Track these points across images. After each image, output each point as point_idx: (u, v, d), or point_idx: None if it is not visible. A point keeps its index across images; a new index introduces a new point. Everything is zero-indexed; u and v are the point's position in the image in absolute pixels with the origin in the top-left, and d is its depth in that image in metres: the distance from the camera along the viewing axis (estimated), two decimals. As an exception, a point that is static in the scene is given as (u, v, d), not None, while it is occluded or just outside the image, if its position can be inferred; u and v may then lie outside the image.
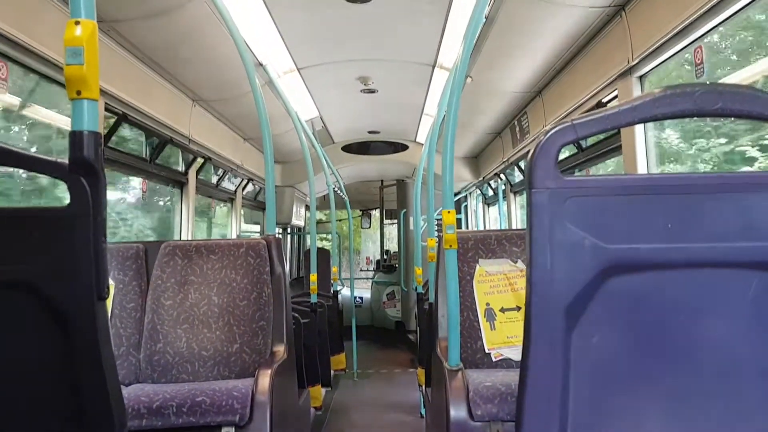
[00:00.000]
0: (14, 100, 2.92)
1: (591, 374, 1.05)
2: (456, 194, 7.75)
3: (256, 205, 7.00)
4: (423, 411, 4.74)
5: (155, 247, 2.87)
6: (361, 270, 12.76)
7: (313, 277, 4.58)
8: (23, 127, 3.21)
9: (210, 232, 6.20)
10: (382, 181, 10.38)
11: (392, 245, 11.75)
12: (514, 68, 4.17)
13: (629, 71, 2.98)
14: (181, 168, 4.65)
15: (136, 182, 4.32)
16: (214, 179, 5.60)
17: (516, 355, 2.55)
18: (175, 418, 2.18)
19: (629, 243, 1.04)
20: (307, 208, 8.59)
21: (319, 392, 4.26)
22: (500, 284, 2.65)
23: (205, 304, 2.74)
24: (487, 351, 2.59)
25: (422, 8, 3.52)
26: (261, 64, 4.05)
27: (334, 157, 7.16)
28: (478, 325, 2.62)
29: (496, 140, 6.25)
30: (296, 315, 3.51)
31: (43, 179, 3.19)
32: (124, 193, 4.53)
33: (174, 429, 2.18)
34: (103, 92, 3.11)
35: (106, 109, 3.26)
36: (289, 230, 8.52)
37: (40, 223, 1.14)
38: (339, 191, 7.43)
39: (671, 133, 3.34)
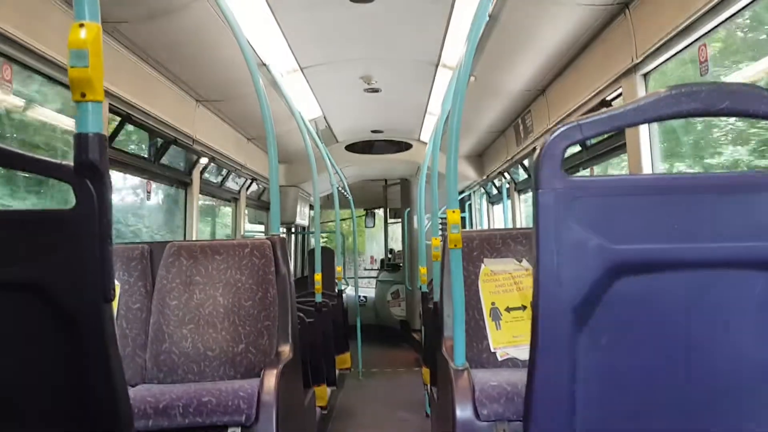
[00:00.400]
0: (18, 102, 2.93)
1: (599, 375, 1.04)
2: (460, 193, 7.74)
3: (260, 204, 7.01)
4: (428, 410, 4.74)
5: (160, 248, 2.88)
6: (365, 269, 12.76)
7: (318, 276, 4.59)
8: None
9: (214, 231, 6.22)
10: (385, 180, 10.38)
11: (396, 244, 11.75)
12: (518, 67, 4.16)
13: (633, 69, 2.97)
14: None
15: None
16: (218, 179, 5.61)
17: (522, 354, 2.55)
18: (182, 419, 2.18)
19: (637, 243, 1.03)
20: (311, 207, 8.60)
21: (324, 392, 4.26)
22: (505, 283, 2.65)
23: (210, 304, 2.74)
24: (492, 350, 2.59)
25: (425, 7, 3.51)
26: (264, 64, 4.05)
27: (338, 156, 7.16)
28: (484, 324, 2.61)
29: (500, 139, 6.24)
30: (301, 315, 3.52)
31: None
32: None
33: (180, 429, 2.19)
34: (107, 93, 3.10)
35: (110, 110, 3.26)
36: (293, 230, 8.52)
37: (46, 224, 1.14)
38: (343, 191, 7.43)
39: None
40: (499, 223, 7.20)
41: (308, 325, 3.69)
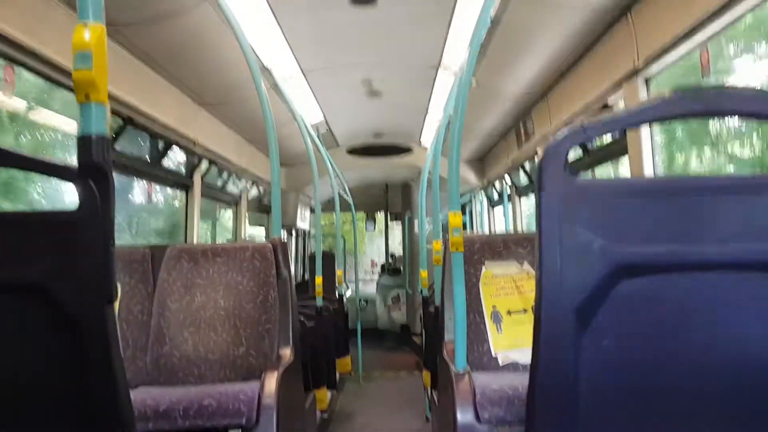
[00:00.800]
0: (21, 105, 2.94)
1: (601, 377, 1.04)
2: (461, 197, 7.73)
3: (261, 208, 7.01)
4: (429, 414, 4.73)
5: (161, 251, 2.88)
6: (365, 272, 12.75)
7: (319, 280, 4.58)
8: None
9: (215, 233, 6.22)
10: (386, 184, 10.38)
11: (397, 248, 11.75)
12: (519, 71, 4.17)
13: (635, 73, 2.98)
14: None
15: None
16: (219, 182, 5.61)
17: (523, 357, 2.54)
18: (182, 421, 2.18)
19: (639, 245, 1.03)
20: (312, 211, 8.60)
21: (324, 395, 4.25)
22: (507, 287, 2.65)
23: (211, 307, 2.74)
24: (493, 354, 2.58)
25: (426, 11, 3.52)
26: (266, 68, 4.05)
27: (339, 160, 7.16)
28: (485, 327, 2.61)
29: (501, 142, 6.25)
30: (302, 318, 3.51)
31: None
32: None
33: None
34: (109, 96, 3.11)
35: (112, 113, 3.27)
36: (294, 233, 8.52)
37: (49, 226, 1.14)
38: (344, 194, 7.43)
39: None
40: (500, 227, 7.20)
41: (309, 329, 3.68)
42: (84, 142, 1.14)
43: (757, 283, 1.04)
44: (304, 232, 9.08)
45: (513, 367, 2.55)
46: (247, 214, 6.30)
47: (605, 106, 3.49)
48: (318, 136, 5.74)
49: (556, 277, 1.02)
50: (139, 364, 2.73)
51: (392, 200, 10.67)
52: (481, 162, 7.49)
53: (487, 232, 7.69)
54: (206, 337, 2.70)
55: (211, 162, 4.89)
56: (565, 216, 1.03)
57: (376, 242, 13.98)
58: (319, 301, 4.51)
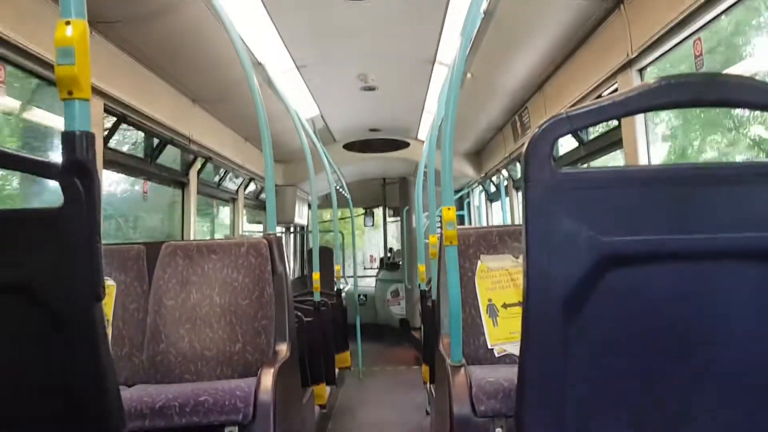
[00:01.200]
0: (14, 104, 2.93)
1: (590, 368, 1.04)
2: (458, 191, 7.73)
3: (258, 204, 7.01)
4: (428, 408, 4.73)
5: (156, 248, 2.87)
6: (364, 268, 12.75)
7: (316, 275, 4.58)
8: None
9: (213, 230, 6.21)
10: (384, 178, 10.37)
11: (395, 243, 11.75)
12: (514, 63, 4.15)
13: (629, 64, 2.97)
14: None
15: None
16: (216, 179, 5.60)
17: (518, 350, 2.54)
18: (178, 419, 2.17)
19: (627, 235, 1.02)
20: (310, 206, 8.59)
21: (323, 390, 4.26)
22: (502, 280, 2.64)
23: (207, 303, 2.74)
24: (489, 347, 2.58)
25: (421, 4, 3.51)
26: (260, 64, 4.04)
27: (336, 155, 7.15)
28: (481, 321, 2.61)
29: (498, 136, 6.24)
30: (300, 314, 3.51)
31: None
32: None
33: (177, 429, 2.18)
34: (102, 94, 3.10)
35: (106, 111, 3.25)
36: (291, 229, 8.51)
37: (34, 224, 1.14)
38: (341, 190, 7.43)
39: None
40: (497, 221, 7.20)
41: (307, 324, 3.68)
42: (68, 139, 1.13)
43: (746, 272, 1.03)
44: (302, 227, 9.07)
45: (509, 359, 2.55)
46: (244, 211, 6.30)
47: (599, 98, 3.48)
48: (314, 132, 5.73)
49: (544, 268, 1.02)
50: (136, 361, 2.73)
51: (390, 195, 10.67)
52: (478, 155, 7.48)
53: (485, 225, 7.69)
54: (202, 333, 2.69)
55: (206, 159, 4.88)
56: (552, 206, 1.02)
57: (375, 237, 13.98)
58: (318, 297, 4.50)
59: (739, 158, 3.34)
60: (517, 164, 5.94)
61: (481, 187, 7.76)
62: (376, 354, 8.01)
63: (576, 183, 1.03)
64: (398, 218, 10.31)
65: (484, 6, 3.03)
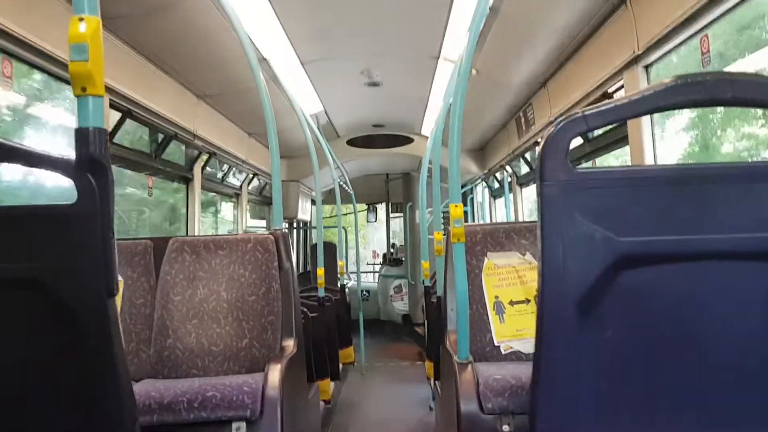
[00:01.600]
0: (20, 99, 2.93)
1: (604, 368, 1.04)
2: (462, 187, 7.72)
3: (261, 200, 7.01)
4: (432, 404, 4.74)
5: (163, 243, 2.87)
6: (368, 264, 12.77)
7: (320, 271, 4.58)
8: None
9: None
10: (387, 174, 10.37)
11: (398, 238, 11.75)
12: (519, 59, 4.14)
13: (635, 61, 2.96)
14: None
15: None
16: (220, 175, 5.61)
17: (526, 347, 2.54)
18: (186, 414, 2.18)
19: (642, 235, 1.02)
20: (313, 202, 8.59)
21: (328, 386, 4.27)
22: (509, 277, 2.64)
23: (213, 299, 2.74)
24: (496, 344, 2.58)
25: None
26: (265, 59, 4.04)
27: (339, 151, 7.15)
28: (487, 318, 2.61)
29: (502, 132, 6.23)
30: (304, 309, 3.51)
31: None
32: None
33: (185, 424, 2.18)
34: (108, 89, 3.11)
35: (111, 106, 3.26)
36: (295, 225, 8.52)
37: (48, 220, 1.14)
38: (344, 185, 7.43)
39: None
40: (501, 217, 7.19)
41: (311, 320, 3.69)
42: (81, 136, 1.13)
43: (762, 272, 1.03)
44: (306, 223, 9.08)
45: (516, 356, 2.55)
46: (248, 207, 6.30)
47: (605, 95, 3.47)
48: (318, 128, 5.72)
49: (559, 268, 1.01)
50: (143, 357, 2.74)
51: (393, 191, 10.67)
52: (481, 152, 7.48)
53: (488, 222, 7.69)
54: (209, 329, 2.70)
55: (211, 154, 4.88)
56: (567, 206, 1.02)
57: (378, 233, 13.99)
58: (321, 292, 4.51)
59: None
60: (521, 161, 5.94)
61: (484, 183, 7.75)
62: (379, 350, 8.02)
63: (591, 182, 1.03)
64: (401, 214, 10.30)
65: (490, 1, 3.02)
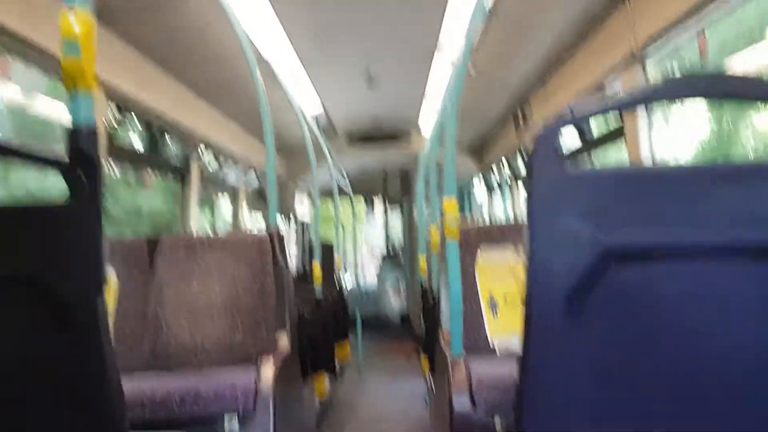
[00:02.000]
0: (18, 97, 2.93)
1: (592, 364, 1.04)
2: (459, 183, 7.72)
3: (259, 197, 7.01)
4: (428, 400, 4.75)
5: (157, 241, 2.88)
6: (365, 261, 12.77)
7: (318, 268, 4.59)
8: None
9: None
10: (385, 171, 10.37)
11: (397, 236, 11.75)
12: (517, 56, 4.14)
13: (633, 58, 2.96)
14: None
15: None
16: (217, 171, 5.60)
17: (519, 344, 2.55)
18: (179, 409, 2.19)
19: (629, 233, 1.03)
20: (311, 199, 8.59)
21: (323, 383, 4.27)
22: (503, 273, 2.65)
23: (207, 296, 2.75)
24: (490, 340, 2.59)
25: (423, -4, 3.50)
26: (263, 57, 4.04)
27: (337, 148, 7.15)
28: (481, 314, 2.62)
29: (500, 129, 6.23)
30: (301, 306, 3.52)
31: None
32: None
33: (177, 419, 2.19)
34: (105, 85, 3.10)
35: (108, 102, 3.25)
36: (293, 222, 8.52)
37: (39, 217, 1.14)
38: (342, 182, 7.42)
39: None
40: (498, 214, 7.20)
41: (308, 317, 3.69)
42: (73, 132, 1.13)
43: (750, 270, 1.04)
44: (303, 222, 9.08)
45: (510, 353, 2.56)
46: (245, 204, 6.30)
47: (600, 93, 3.48)
48: (316, 125, 5.72)
49: (546, 263, 1.02)
50: (136, 353, 2.74)
51: (391, 188, 10.66)
52: (479, 149, 7.48)
53: (486, 219, 7.70)
54: (203, 325, 2.70)
55: (208, 151, 4.88)
56: (556, 203, 1.02)
57: (376, 231, 13.98)
58: (319, 290, 4.52)
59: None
60: (518, 157, 5.94)
61: (481, 180, 7.76)
62: (377, 347, 8.03)
63: (580, 179, 1.04)
64: (399, 212, 10.30)
65: (489, 4, 3.02)
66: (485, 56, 4.14)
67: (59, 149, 1.16)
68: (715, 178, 1.05)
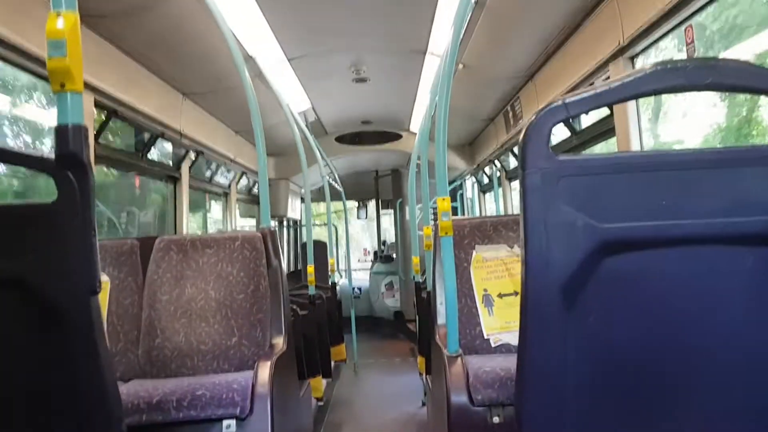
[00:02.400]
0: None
1: (588, 354, 1.04)
2: (451, 182, 7.73)
3: (250, 198, 6.98)
4: (424, 399, 4.75)
5: (149, 243, 2.86)
6: (358, 261, 12.75)
7: (311, 269, 4.57)
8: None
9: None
10: (377, 171, 10.36)
11: (389, 235, 11.74)
12: (506, 53, 4.15)
13: (620, 52, 2.97)
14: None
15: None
16: (208, 174, 5.58)
17: (514, 339, 2.54)
18: (176, 413, 2.17)
19: (624, 221, 1.03)
20: (303, 200, 8.57)
21: (320, 383, 4.26)
22: (497, 270, 2.65)
23: (202, 298, 2.73)
24: (485, 337, 2.59)
25: (411, -6, 3.50)
26: (250, 56, 4.02)
27: (328, 148, 7.13)
28: (476, 311, 2.61)
29: (490, 126, 6.24)
30: (295, 307, 3.51)
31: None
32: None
33: (174, 423, 2.17)
34: (92, 88, 3.08)
35: (96, 105, 3.23)
36: (285, 223, 8.50)
37: (28, 218, 1.13)
38: (334, 183, 7.41)
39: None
40: (490, 212, 7.21)
41: (302, 318, 3.68)
42: (61, 132, 1.12)
43: (743, 256, 1.04)
44: (296, 221, 9.06)
45: (505, 349, 2.56)
46: (237, 206, 6.27)
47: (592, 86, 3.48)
48: (306, 125, 5.71)
49: (542, 255, 1.02)
50: (131, 356, 2.72)
51: (383, 187, 10.65)
52: (470, 147, 7.48)
53: (479, 216, 7.71)
54: (198, 328, 2.69)
55: (198, 153, 4.86)
56: (549, 194, 1.02)
57: (368, 230, 13.98)
58: (312, 290, 4.50)
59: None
60: (510, 155, 5.95)
61: (473, 179, 7.76)
62: (372, 346, 8.02)
63: (573, 170, 1.03)
64: (391, 210, 10.29)
65: None
66: (474, 53, 4.14)
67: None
68: (707, 163, 1.05)
